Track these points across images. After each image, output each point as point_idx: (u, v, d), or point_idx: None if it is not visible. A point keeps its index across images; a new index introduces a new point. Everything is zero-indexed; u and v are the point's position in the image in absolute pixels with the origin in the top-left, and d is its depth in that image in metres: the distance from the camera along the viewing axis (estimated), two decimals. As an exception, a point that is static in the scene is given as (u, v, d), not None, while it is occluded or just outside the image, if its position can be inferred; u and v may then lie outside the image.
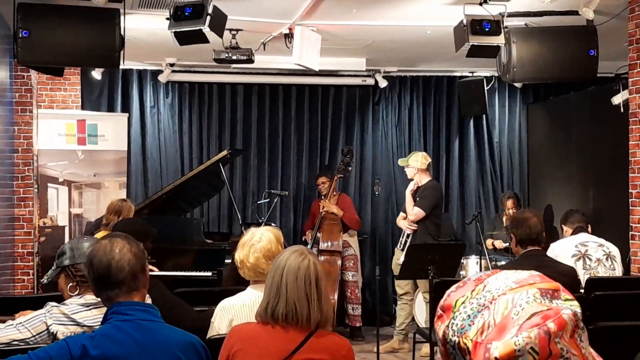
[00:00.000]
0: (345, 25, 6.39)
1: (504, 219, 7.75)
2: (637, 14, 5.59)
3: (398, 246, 7.04)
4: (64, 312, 2.70)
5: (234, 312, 3.12)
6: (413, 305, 7.03)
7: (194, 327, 2.85)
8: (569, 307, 1.08)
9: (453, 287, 1.17)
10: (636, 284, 5.00)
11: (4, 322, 3.49)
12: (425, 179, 6.99)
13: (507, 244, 7.19)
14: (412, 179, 7.02)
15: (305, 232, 7.87)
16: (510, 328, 1.05)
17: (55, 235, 7.66)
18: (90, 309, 2.73)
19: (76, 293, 2.81)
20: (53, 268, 2.92)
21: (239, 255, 3.28)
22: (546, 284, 1.11)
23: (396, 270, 6.66)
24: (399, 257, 6.63)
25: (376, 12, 5.95)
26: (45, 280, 3.00)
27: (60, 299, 2.88)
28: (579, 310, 1.08)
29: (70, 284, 2.84)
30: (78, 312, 2.72)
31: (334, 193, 7.61)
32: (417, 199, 6.88)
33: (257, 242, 3.25)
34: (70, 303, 2.76)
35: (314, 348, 2.52)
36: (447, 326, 1.12)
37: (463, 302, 1.12)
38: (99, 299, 2.71)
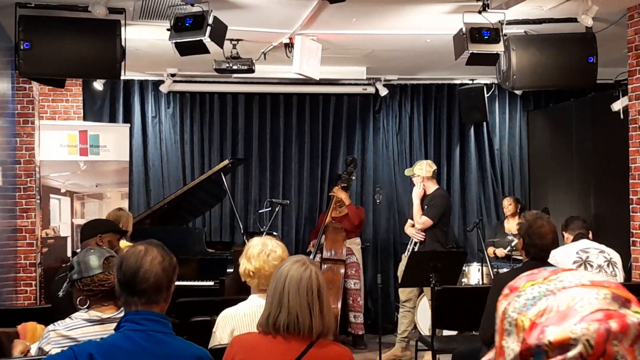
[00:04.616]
0: (345, 35, 6.41)
1: (505, 222, 7.74)
2: (636, 21, 5.61)
3: (405, 253, 6.97)
4: (61, 334, 2.69)
5: (235, 322, 3.13)
6: (415, 312, 7.02)
7: None
8: (637, 317, 1.05)
9: (527, 272, 1.17)
10: (637, 290, 4.99)
11: (6, 333, 3.50)
12: (432, 187, 6.95)
13: (508, 251, 7.18)
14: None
15: (310, 243, 7.83)
16: (571, 317, 1.04)
17: (58, 246, 7.67)
18: (93, 325, 2.72)
19: (85, 306, 2.81)
20: (67, 281, 2.93)
21: (253, 265, 3.23)
22: (620, 291, 1.08)
23: (402, 278, 6.64)
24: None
25: (376, 21, 5.97)
26: (60, 293, 3.01)
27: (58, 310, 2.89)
28: None
29: (80, 297, 2.84)
30: (79, 328, 2.72)
31: (338, 204, 7.64)
32: (425, 207, 6.84)
33: (272, 251, 3.26)
34: (75, 317, 2.77)
35: (315, 358, 2.52)
36: (509, 303, 1.11)
37: (532, 285, 1.11)
38: (104, 316, 2.72)
